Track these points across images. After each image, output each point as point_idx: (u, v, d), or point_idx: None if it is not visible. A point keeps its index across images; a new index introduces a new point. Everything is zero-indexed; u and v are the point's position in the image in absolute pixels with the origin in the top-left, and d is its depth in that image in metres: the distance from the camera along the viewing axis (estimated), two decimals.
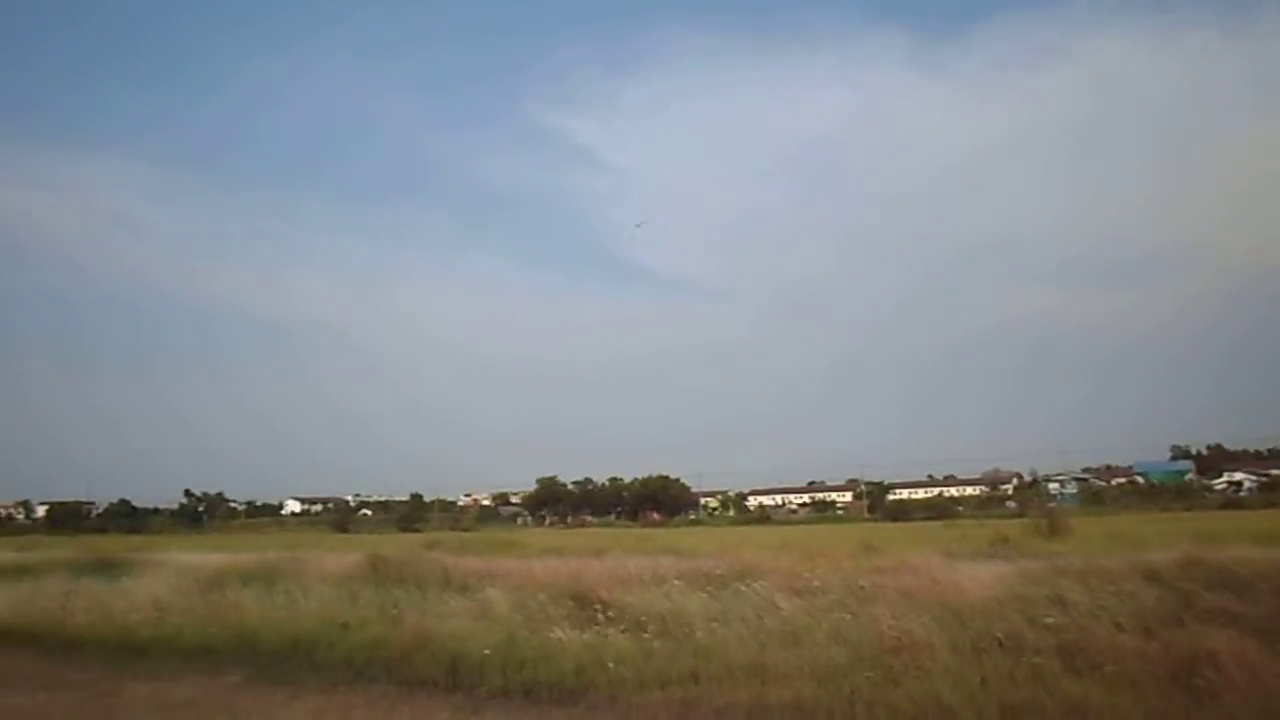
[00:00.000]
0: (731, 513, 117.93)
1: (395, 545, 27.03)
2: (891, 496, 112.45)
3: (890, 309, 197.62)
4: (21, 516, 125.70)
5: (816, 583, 12.65)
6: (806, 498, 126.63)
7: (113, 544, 46.13)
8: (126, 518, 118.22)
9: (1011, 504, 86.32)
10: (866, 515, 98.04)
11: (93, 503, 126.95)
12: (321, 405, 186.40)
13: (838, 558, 18.11)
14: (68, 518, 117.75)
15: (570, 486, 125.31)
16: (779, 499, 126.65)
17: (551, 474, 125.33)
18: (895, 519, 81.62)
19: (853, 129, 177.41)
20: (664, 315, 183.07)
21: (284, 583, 16.72)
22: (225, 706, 8.85)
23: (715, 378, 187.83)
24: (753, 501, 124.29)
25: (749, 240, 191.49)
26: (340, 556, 21.09)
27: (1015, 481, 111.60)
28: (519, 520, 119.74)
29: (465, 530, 79.57)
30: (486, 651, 9.69)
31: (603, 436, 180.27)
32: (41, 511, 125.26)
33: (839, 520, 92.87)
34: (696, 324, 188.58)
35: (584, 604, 11.86)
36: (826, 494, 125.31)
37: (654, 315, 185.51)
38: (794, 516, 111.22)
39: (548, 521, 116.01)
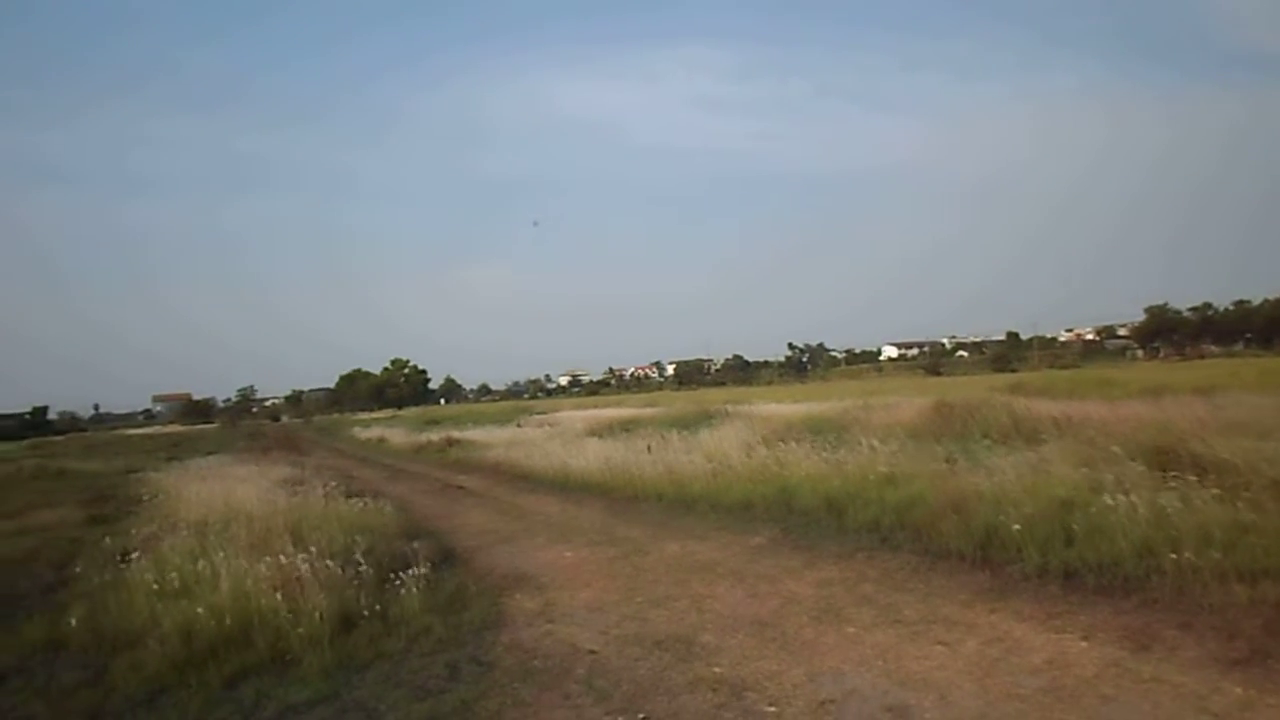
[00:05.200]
0: None
1: (975, 388, 25.62)
2: None
3: None
4: (656, 375, 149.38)
5: None
6: None
7: (716, 396, 51.87)
8: (740, 370, 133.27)
9: None
10: None
11: (711, 359, 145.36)
12: (908, 250, 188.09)
13: None
14: (691, 374, 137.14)
15: (1186, 314, 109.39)
16: None
17: (1162, 301, 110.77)
18: None
19: None
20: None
21: (848, 433, 16.55)
22: (737, 571, 8.62)
23: None
24: None
25: None
26: (913, 402, 20.41)
27: None
28: (1127, 354, 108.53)
29: (1063, 368, 74.07)
30: (1016, 527, 8.02)
31: (1222, 253, 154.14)
32: (670, 369, 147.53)
33: None
34: None
35: (1167, 460, 9.48)
36: None
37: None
38: None
39: (1160, 354, 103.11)
